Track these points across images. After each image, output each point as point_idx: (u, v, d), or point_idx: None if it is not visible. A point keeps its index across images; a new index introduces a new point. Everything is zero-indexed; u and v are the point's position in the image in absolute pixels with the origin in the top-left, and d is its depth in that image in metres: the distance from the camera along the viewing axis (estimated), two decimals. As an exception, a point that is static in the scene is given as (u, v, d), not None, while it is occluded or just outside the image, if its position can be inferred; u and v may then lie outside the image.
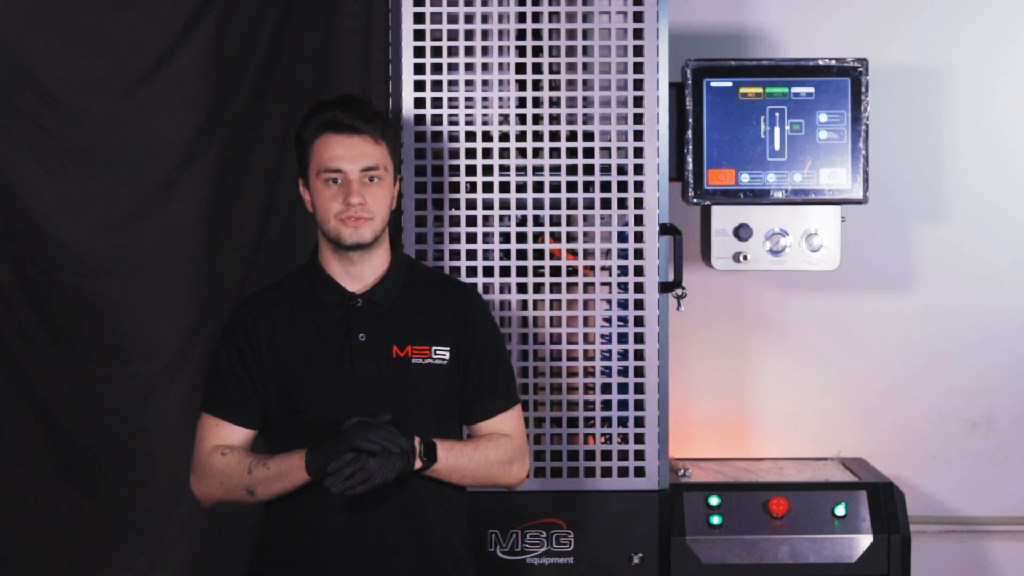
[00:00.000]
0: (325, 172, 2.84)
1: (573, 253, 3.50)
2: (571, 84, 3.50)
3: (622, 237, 3.49)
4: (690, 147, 3.58)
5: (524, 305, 3.49)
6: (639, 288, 3.49)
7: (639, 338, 3.50)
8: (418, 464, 2.79)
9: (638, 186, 3.48)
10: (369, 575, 2.86)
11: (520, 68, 3.49)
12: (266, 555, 2.93)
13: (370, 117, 2.86)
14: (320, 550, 2.86)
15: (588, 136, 3.49)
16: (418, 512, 2.88)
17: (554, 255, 3.50)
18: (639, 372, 3.50)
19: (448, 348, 2.91)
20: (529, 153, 3.48)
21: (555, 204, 3.49)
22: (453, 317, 2.93)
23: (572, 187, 3.49)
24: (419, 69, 3.46)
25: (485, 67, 3.48)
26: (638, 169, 3.48)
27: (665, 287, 3.51)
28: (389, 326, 2.89)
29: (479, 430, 2.93)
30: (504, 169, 3.49)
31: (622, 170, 3.49)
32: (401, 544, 2.87)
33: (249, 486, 2.82)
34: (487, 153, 3.48)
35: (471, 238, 3.48)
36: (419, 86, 3.47)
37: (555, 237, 3.49)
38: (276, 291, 2.96)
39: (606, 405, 3.51)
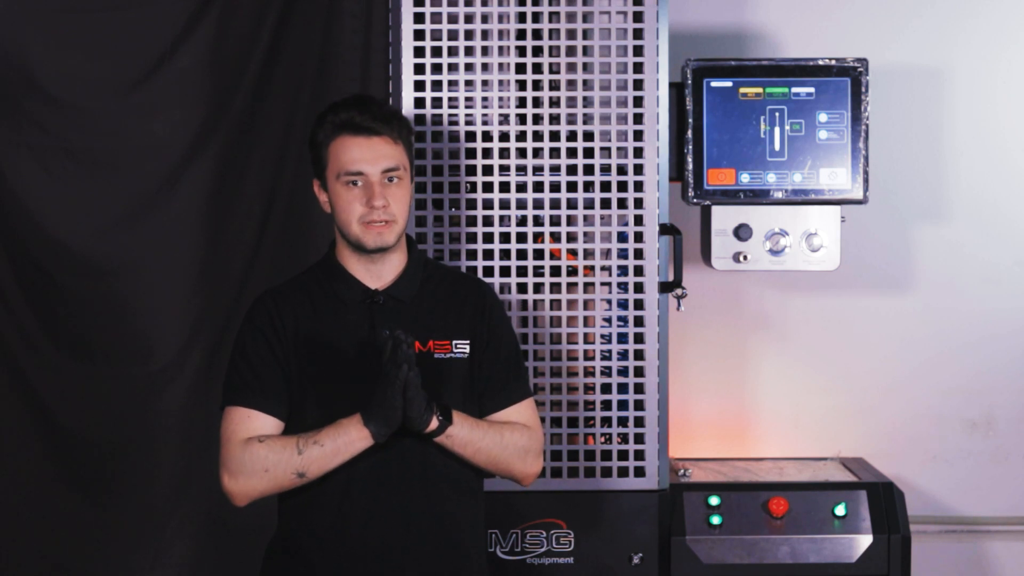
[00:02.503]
0: (346, 175, 2.84)
1: (573, 253, 3.50)
2: (571, 84, 3.50)
3: (622, 237, 3.50)
4: (690, 147, 3.58)
5: (524, 305, 3.49)
6: (639, 288, 3.49)
7: (639, 338, 3.50)
8: (434, 423, 2.78)
9: (638, 186, 3.49)
10: (397, 560, 2.86)
11: (520, 68, 3.49)
12: (284, 551, 2.92)
13: (387, 117, 2.86)
14: (343, 547, 2.85)
15: (588, 136, 3.49)
16: (442, 512, 2.89)
17: (554, 255, 3.50)
18: (639, 372, 3.50)
19: (468, 342, 2.92)
20: (529, 153, 3.49)
21: (555, 204, 3.49)
22: (470, 311, 2.94)
23: (572, 187, 3.49)
24: (419, 69, 3.47)
25: (485, 67, 3.48)
26: (638, 169, 3.49)
27: (665, 287, 3.51)
28: (410, 322, 2.89)
29: (494, 420, 2.94)
30: (504, 169, 3.49)
31: (622, 170, 3.49)
32: (426, 543, 2.87)
33: (300, 469, 2.79)
34: (487, 153, 3.48)
35: (471, 238, 3.48)
36: (419, 86, 3.47)
37: (555, 237, 3.49)
38: (296, 286, 2.95)
39: (606, 405, 3.51)
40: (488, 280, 3.47)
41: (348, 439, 2.78)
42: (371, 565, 2.85)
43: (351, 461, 2.81)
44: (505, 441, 2.90)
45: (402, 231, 2.88)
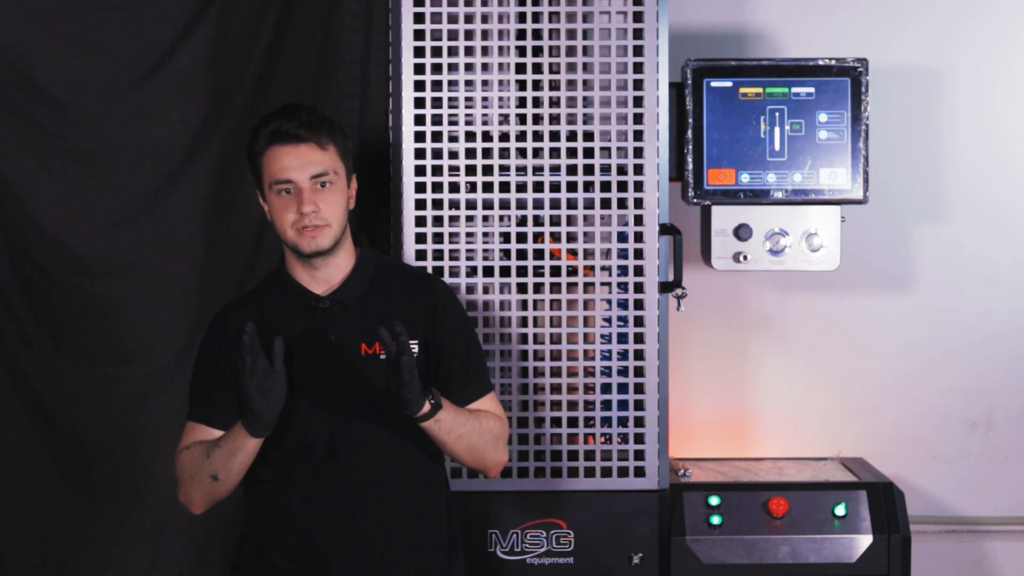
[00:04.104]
0: (276, 184, 2.88)
1: (573, 253, 3.50)
2: (571, 84, 3.50)
3: (622, 237, 3.49)
4: (690, 147, 3.58)
5: (524, 305, 3.49)
6: (639, 288, 3.49)
7: (639, 338, 3.50)
8: (427, 407, 2.81)
9: (638, 186, 3.48)
10: (344, 563, 2.91)
11: (520, 68, 3.49)
12: (247, 547, 3.00)
13: (313, 124, 2.89)
14: (295, 540, 2.91)
15: (588, 136, 3.49)
16: (395, 518, 2.93)
17: (554, 255, 3.50)
18: (639, 372, 3.50)
19: (416, 341, 2.94)
20: (529, 153, 3.49)
21: (555, 204, 3.49)
22: (420, 310, 2.98)
23: (572, 187, 3.49)
24: (419, 69, 3.46)
25: (485, 67, 3.48)
26: (638, 169, 3.48)
27: (665, 287, 3.51)
28: (356, 325, 2.92)
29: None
30: (504, 169, 3.49)
31: (622, 170, 3.49)
32: (373, 533, 2.92)
33: (212, 472, 2.87)
34: (487, 153, 3.48)
35: (471, 238, 3.48)
36: (419, 86, 3.47)
37: (555, 237, 3.49)
38: (250, 298, 3.02)
39: (606, 405, 3.51)
40: (488, 280, 3.47)
41: (235, 438, 2.84)
42: (321, 560, 2.91)
43: (304, 467, 2.88)
44: (483, 428, 2.94)
45: (338, 234, 2.91)
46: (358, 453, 2.90)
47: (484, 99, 3.48)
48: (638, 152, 3.48)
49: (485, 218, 3.48)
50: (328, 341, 2.90)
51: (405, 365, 2.73)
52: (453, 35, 3.46)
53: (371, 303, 2.95)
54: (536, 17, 3.47)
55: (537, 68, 3.48)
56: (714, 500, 3.60)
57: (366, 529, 2.91)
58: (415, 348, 2.93)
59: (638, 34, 3.48)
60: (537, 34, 3.48)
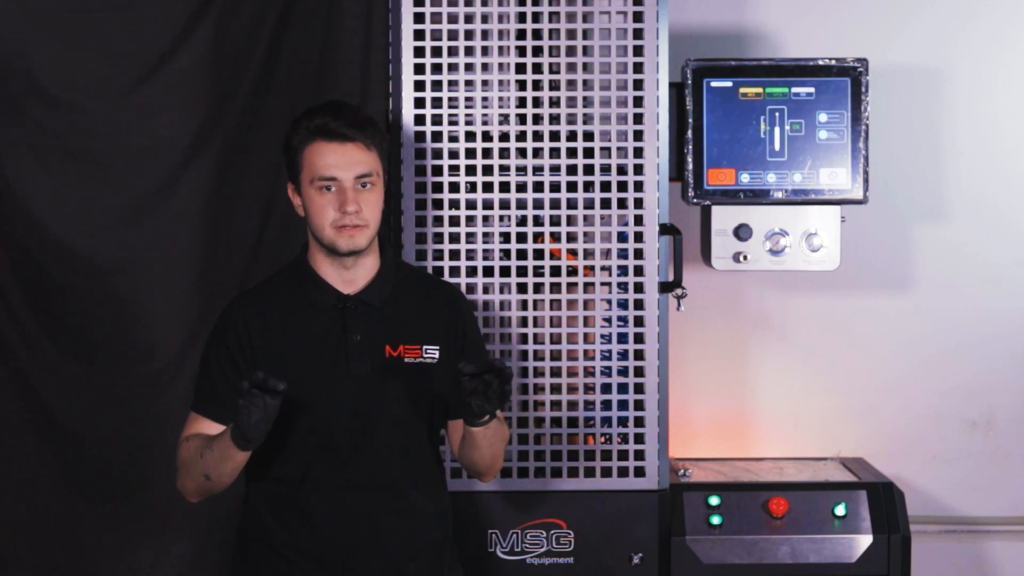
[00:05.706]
0: (319, 180, 2.87)
1: (573, 253, 3.50)
2: (571, 84, 3.50)
3: (622, 237, 3.50)
4: (690, 147, 3.58)
5: (524, 305, 3.49)
6: (639, 288, 3.49)
7: (639, 338, 3.50)
8: (487, 415, 2.85)
9: (638, 186, 3.49)
10: (362, 561, 2.91)
11: (520, 68, 3.49)
12: (256, 544, 2.97)
13: (361, 124, 2.89)
14: (313, 538, 2.90)
15: (588, 136, 3.49)
16: (408, 500, 2.94)
17: (554, 255, 3.50)
18: (639, 372, 3.50)
19: (438, 348, 2.96)
20: (529, 153, 3.49)
21: (555, 204, 3.49)
22: (442, 318, 2.99)
23: (572, 187, 3.49)
24: (419, 69, 3.47)
25: (485, 67, 3.48)
26: (638, 169, 3.49)
27: (665, 287, 3.51)
28: (381, 326, 2.92)
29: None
30: (504, 169, 3.49)
31: (622, 170, 3.49)
32: (392, 531, 2.92)
33: (204, 471, 2.86)
34: (487, 153, 3.48)
35: (471, 238, 3.48)
36: (419, 86, 3.47)
37: (555, 237, 3.49)
38: (266, 291, 2.99)
39: (606, 405, 3.51)
40: (488, 280, 3.47)
41: (225, 446, 2.81)
42: (338, 560, 2.91)
43: (325, 466, 2.88)
44: (504, 434, 3.00)
45: (374, 235, 2.92)
46: (379, 453, 2.91)
47: (484, 99, 3.48)
48: (638, 152, 3.48)
49: (485, 218, 3.48)
50: (354, 341, 2.90)
51: (509, 391, 2.77)
52: (453, 35, 3.47)
53: (395, 306, 2.96)
54: (536, 17, 3.48)
55: (537, 68, 3.48)
56: (714, 500, 3.60)
57: (385, 528, 2.92)
58: (436, 354, 2.95)
59: (638, 34, 3.48)
60: (537, 34, 3.48)
